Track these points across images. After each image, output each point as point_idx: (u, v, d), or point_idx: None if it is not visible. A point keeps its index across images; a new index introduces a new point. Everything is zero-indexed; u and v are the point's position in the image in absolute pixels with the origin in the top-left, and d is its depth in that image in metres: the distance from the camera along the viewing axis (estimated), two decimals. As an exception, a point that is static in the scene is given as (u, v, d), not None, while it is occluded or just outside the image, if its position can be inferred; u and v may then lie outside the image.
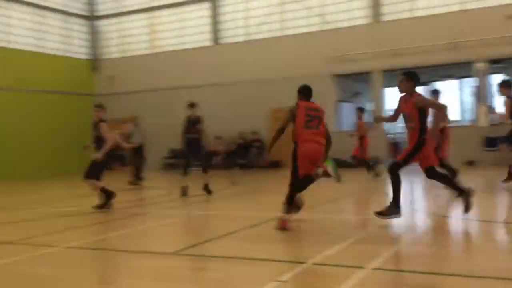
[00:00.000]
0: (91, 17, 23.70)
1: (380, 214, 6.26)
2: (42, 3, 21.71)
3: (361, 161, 13.13)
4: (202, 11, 21.75)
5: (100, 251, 5.71)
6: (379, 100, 18.50)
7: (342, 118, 19.34)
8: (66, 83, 21.80)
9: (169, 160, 20.78)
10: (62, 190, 13.59)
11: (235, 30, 21.16)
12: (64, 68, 21.90)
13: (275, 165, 19.13)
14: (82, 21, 23.60)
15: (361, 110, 13.60)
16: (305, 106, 6.59)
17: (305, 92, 6.76)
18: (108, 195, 8.75)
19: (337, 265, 4.64)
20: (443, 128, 9.45)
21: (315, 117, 6.54)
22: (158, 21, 22.80)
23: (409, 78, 6.32)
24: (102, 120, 8.93)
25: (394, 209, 6.18)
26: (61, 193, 12.71)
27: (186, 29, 22.16)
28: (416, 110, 6.19)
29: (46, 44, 21.89)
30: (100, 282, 4.58)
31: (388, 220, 6.32)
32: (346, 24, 19.08)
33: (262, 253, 5.19)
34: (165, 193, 11.73)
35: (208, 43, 21.41)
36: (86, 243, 6.08)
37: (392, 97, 29.17)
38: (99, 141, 8.86)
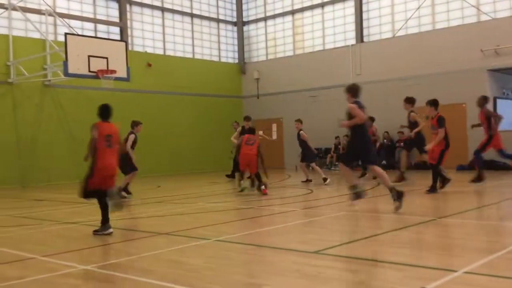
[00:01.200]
0: (239, 23, 24.91)
1: (96, 232, 6.86)
2: (195, 12, 23.38)
3: None
4: (346, 10, 21.59)
5: (247, 245, 5.97)
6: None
7: (501, 117, 17.71)
8: (218, 86, 23.20)
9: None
10: (211, 186, 14.45)
11: (380, 27, 20.63)
12: (215, 73, 23.32)
13: (422, 166, 18.18)
14: (231, 27, 24.93)
15: None
16: (245, 139, 11.37)
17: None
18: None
19: (493, 276, 4.27)
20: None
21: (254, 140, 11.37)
22: (301, 23, 23.16)
23: None
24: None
25: (104, 225, 6.84)
26: (210, 189, 13.54)
27: (330, 29, 22.18)
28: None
29: (199, 50, 23.52)
30: (247, 276, 4.78)
31: None
32: (504, 14, 17.51)
33: (408, 258, 4.99)
34: (309, 192, 11.87)
35: (352, 42, 21.16)
36: (235, 237, 6.39)
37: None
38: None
